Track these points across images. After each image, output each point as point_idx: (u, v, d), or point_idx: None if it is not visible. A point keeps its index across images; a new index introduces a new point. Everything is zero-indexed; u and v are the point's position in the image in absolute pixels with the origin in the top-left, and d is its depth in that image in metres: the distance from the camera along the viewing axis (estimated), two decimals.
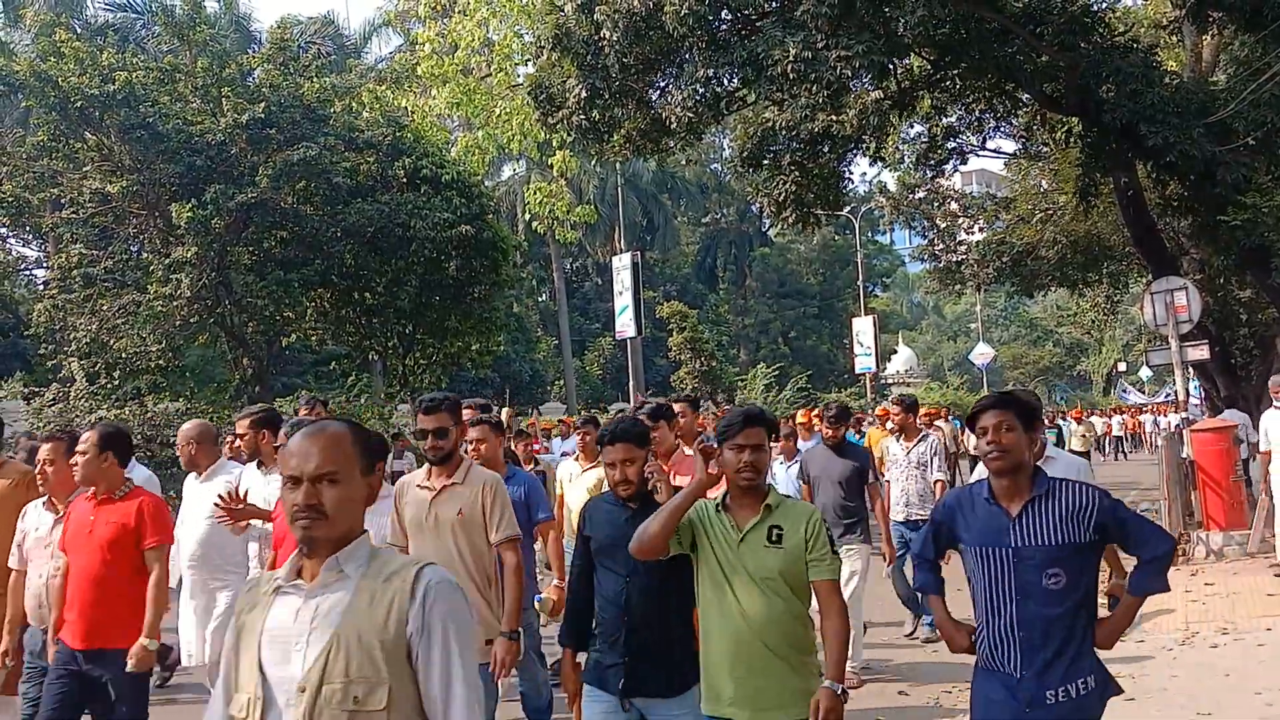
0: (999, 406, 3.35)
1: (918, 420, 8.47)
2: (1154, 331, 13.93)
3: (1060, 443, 23.61)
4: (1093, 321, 30.74)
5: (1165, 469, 11.24)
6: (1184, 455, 11.51)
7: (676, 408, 6.59)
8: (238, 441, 6.10)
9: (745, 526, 3.39)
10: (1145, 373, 47.08)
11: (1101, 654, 3.30)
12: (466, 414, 6.50)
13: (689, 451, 6.71)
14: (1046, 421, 26.21)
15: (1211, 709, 5.77)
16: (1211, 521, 10.54)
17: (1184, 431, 12.04)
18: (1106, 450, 33.99)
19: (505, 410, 10.53)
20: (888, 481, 8.31)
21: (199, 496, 5.62)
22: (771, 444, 3.78)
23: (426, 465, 4.56)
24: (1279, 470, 8.94)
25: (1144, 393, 47.06)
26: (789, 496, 3.55)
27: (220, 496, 5.06)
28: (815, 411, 10.11)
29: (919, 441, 8.11)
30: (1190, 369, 15.12)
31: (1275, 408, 9.03)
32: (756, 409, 3.58)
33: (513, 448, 8.70)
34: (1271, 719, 5.59)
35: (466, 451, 5.57)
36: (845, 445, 7.45)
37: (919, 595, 5.43)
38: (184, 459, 5.78)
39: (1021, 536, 3.25)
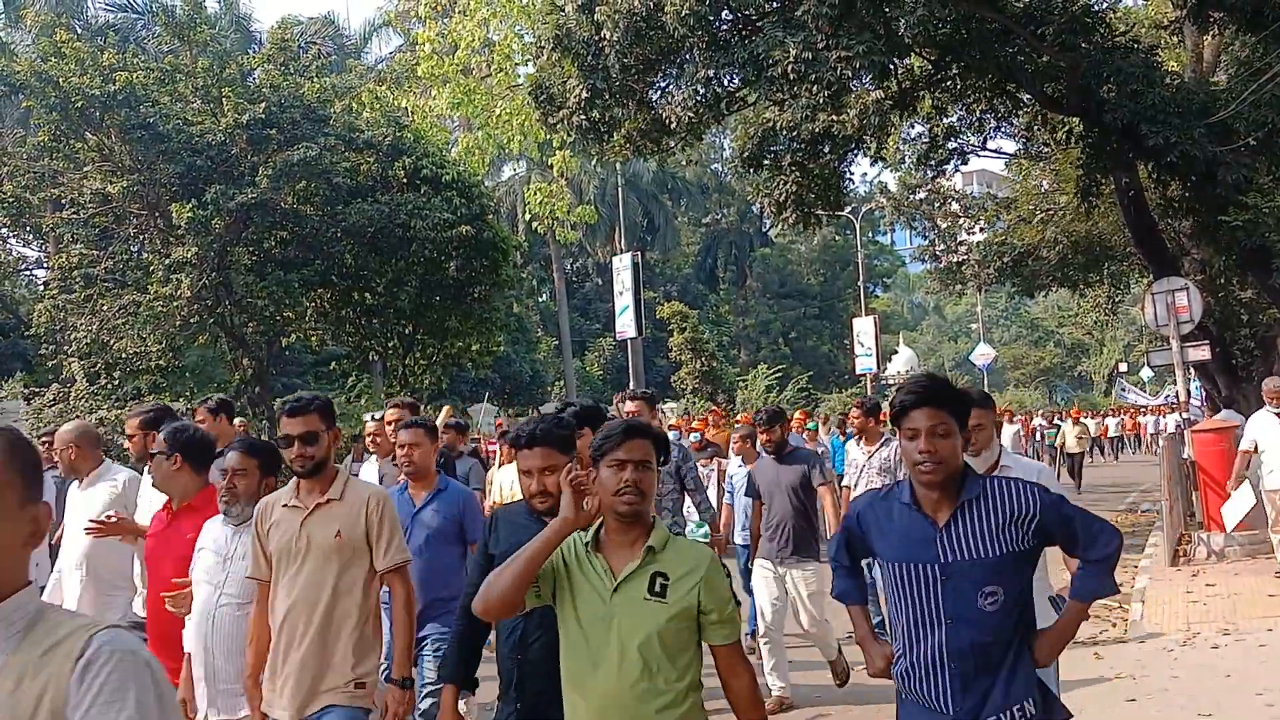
0: (931, 403, 2.77)
1: (880, 424, 7.83)
2: (1155, 332, 13.92)
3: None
4: (1094, 322, 30.80)
5: (1166, 469, 11.23)
6: (1185, 456, 11.50)
7: (629, 406, 6.06)
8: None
9: (621, 572, 2.67)
10: (1146, 373, 47.02)
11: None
12: (392, 414, 6.11)
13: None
14: (1046, 423, 26.12)
15: (1212, 710, 5.76)
16: (1212, 522, 10.53)
17: (1185, 432, 12.03)
18: (1105, 451, 33.73)
19: (444, 409, 10.20)
20: (846, 487, 8.12)
21: (82, 506, 5.04)
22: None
23: (294, 480, 3.82)
24: (1270, 471, 8.75)
25: (1146, 393, 47.03)
26: (680, 534, 2.88)
27: (91, 522, 4.60)
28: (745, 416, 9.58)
29: (881, 446, 7.52)
30: (1191, 369, 15.11)
31: (1269, 411, 8.84)
32: (640, 422, 2.90)
33: (465, 451, 8.48)
34: None
35: (396, 459, 5.10)
36: (789, 450, 6.81)
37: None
38: (63, 465, 5.26)
39: (951, 549, 2.74)
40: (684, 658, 2.65)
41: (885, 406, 6.18)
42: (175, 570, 4.06)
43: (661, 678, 2.61)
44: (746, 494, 7.04)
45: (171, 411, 5.63)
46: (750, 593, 7.52)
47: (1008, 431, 20.88)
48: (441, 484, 4.93)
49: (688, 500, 6.49)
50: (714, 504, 8.18)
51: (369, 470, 6.73)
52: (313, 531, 3.71)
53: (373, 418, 7.26)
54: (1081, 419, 23.65)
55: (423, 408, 21.32)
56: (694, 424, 16.62)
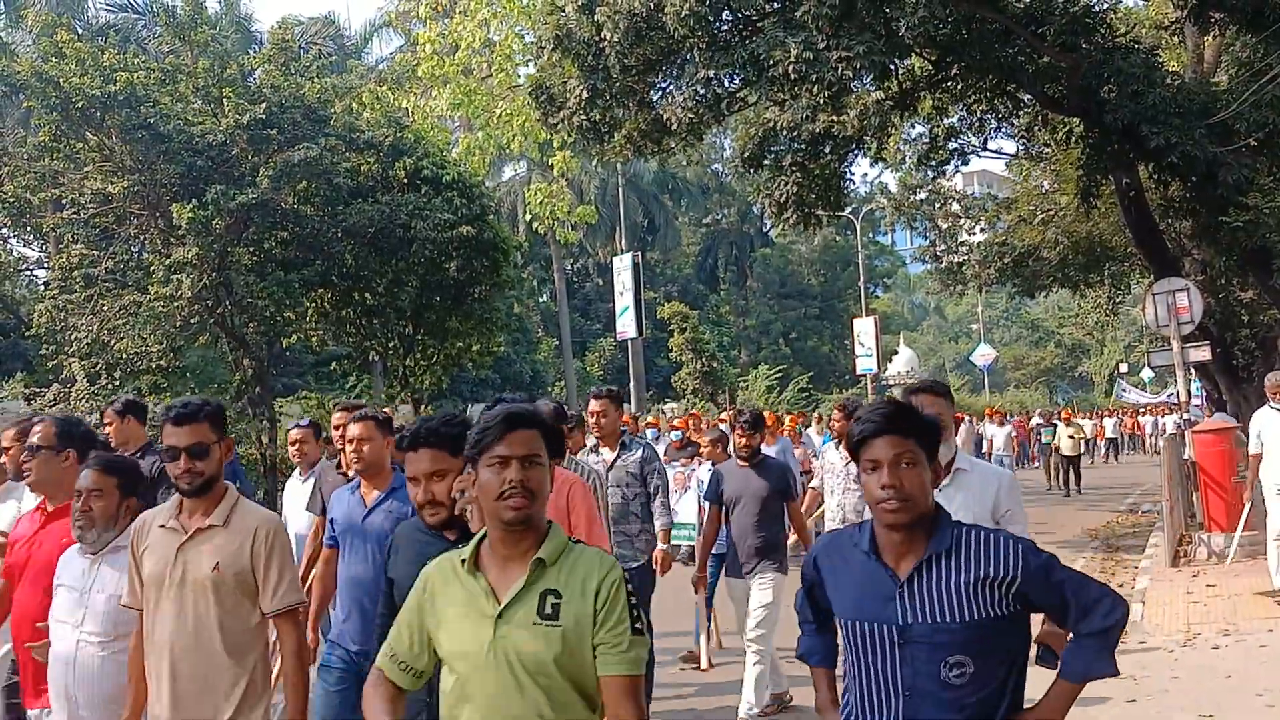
0: (896, 432, 2.37)
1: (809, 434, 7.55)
2: (1156, 333, 13.92)
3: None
4: (1094, 323, 30.75)
5: (1167, 470, 11.23)
6: (1185, 456, 11.49)
7: (594, 405, 5.66)
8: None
9: (507, 593, 2.26)
10: (1147, 374, 47.03)
11: None
12: (338, 418, 5.65)
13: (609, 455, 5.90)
14: (1043, 422, 25.98)
15: (1213, 710, 5.76)
16: (1213, 523, 10.52)
17: (1185, 432, 12.03)
18: (1103, 452, 33.40)
19: (398, 411, 9.76)
20: (814, 489, 7.73)
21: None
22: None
23: (176, 497, 3.30)
24: (1270, 474, 8.15)
25: (1147, 393, 47.04)
26: (579, 541, 2.40)
27: None
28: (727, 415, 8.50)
29: None
30: (1192, 370, 15.10)
31: (1271, 408, 8.22)
32: (523, 409, 2.42)
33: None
34: None
35: (343, 456, 4.72)
36: (764, 459, 6.35)
37: None
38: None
39: (913, 610, 2.32)
40: (582, 687, 2.26)
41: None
42: (48, 578, 3.61)
43: (567, 717, 2.23)
44: (706, 497, 6.48)
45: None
46: (709, 604, 7.35)
47: (999, 434, 20.71)
48: (396, 482, 4.23)
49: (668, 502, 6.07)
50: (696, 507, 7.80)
51: (293, 486, 6.25)
52: (189, 561, 3.18)
53: (297, 425, 6.49)
54: (1074, 420, 23.25)
55: (423, 408, 21.28)
56: (675, 422, 16.56)
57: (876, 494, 2.35)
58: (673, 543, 6.86)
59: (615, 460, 5.84)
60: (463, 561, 2.33)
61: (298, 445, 6.32)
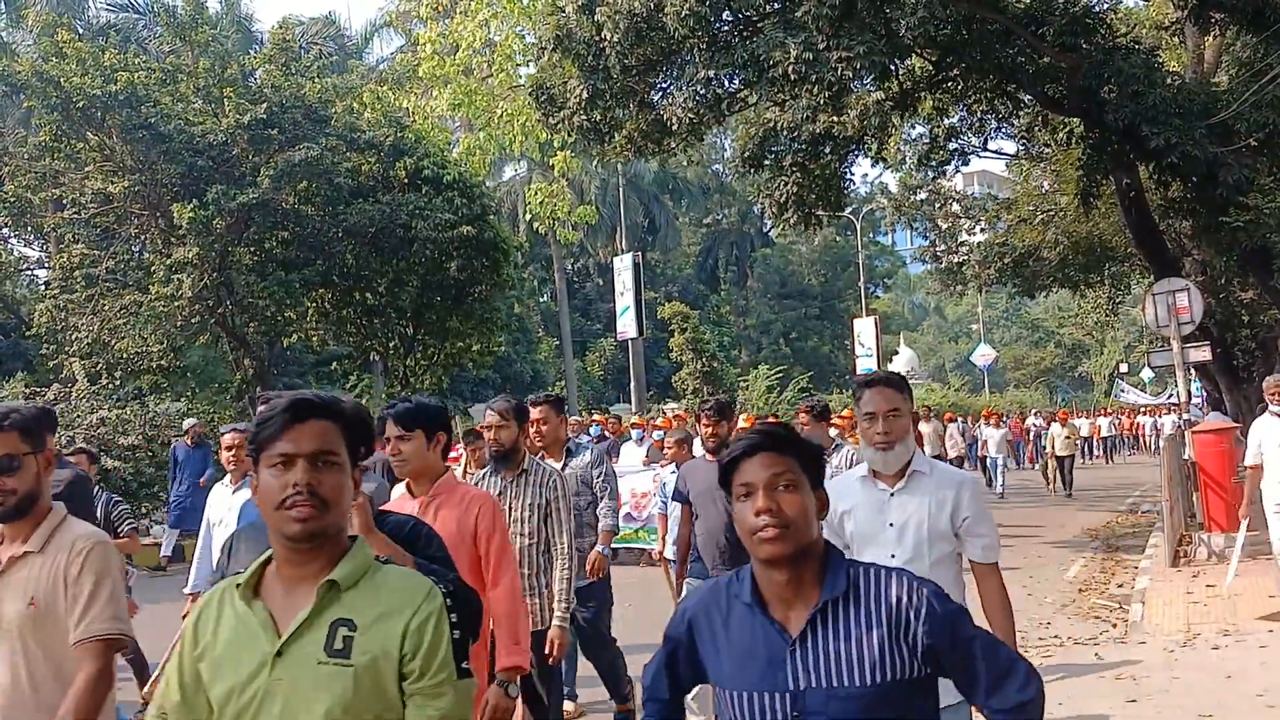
0: (773, 448, 1.98)
1: (829, 427, 6.77)
2: (1156, 333, 13.93)
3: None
4: (1094, 323, 30.76)
5: (1167, 470, 11.23)
6: (1185, 457, 11.50)
7: (534, 413, 5.28)
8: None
9: (290, 624, 1.86)
10: (1147, 374, 47.04)
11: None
12: (229, 439, 5.29)
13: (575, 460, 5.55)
14: (1042, 423, 25.70)
15: (1213, 711, 5.76)
16: (1213, 523, 10.53)
17: (1185, 432, 12.03)
18: (1099, 453, 32.91)
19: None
20: None
21: None
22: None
23: None
24: (1272, 490, 7.56)
25: (1147, 394, 47.07)
26: (389, 560, 2.01)
27: None
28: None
29: (830, 455, 6.33)
30: (1192, 370, 15.11)
31: (1272, 412, 7.63)
32: (309, 397, 1.97)
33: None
34: None
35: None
36: None
37: None
38: None
39: (806, 672, 1.91)
40: None
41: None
42: None
43: None
44: (674, 498, 5.96)
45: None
46: None
47: (994, 435, 20.72)
48: None
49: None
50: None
51: (219, 491, 5.61)
52: (4, 598, 2.65)
53: (233, 429, 5.76)
54: (1069, 420, 22.97)
55: None
56: (658, 422, 16.46)
57: (751, 522, 1.92)
58: (640, 546, 6.58)
59: (563, 469, 5.49)
60: (238, 586, 1.90)
61: (233, 451, 5.50)
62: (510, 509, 4.65)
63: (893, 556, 3.09)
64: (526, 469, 4.72)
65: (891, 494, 3.19)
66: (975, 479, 3.26)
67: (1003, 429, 21.52)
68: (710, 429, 5.66)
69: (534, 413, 5.31)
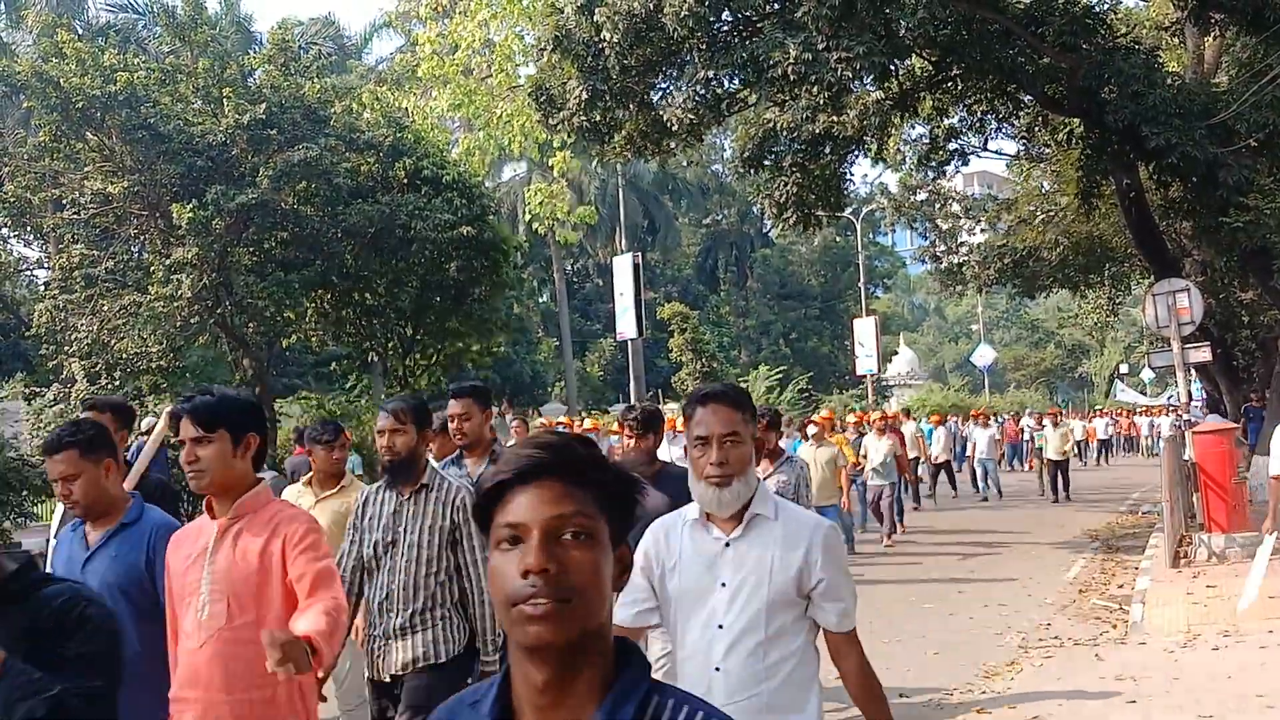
0: (555, 478, 1.27)
1: (780, 437, 6.22)
2: (1156, 333, 13.93)
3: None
4: (1094, 323, 30.77)
5: (1167, 471, 11.22)
6: (1185, 457, 11.49)
7: (454, 406, 4.43)
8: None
9: None
10: (1147, 375, 47.04)
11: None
12: (66, 460, 4.46)
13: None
14: (1035, 424, 25.20)
15: (1213, 712, 5.75)
16: (1213, 524, 10.52)
17: (1185, 433, 12.02)
18: (1095, 455, 32.01)
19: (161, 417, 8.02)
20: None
21: None
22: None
23: None
24: None
25: (1147, 395, 47.07)
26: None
27: None
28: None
29: (780, 467, 5.89)
30: (1192, 371, 15.11)
31: None
32: None
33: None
34: None
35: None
36: (664, 468, 4.58)
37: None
38: None
39: None
40: None
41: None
42: None
43: None
44: None
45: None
46: None
47: (982, 436, 19.28)
48: (130, 515, 3.22)
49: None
50: None
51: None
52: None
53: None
54: (1062, 420, 20.56)
55: None
56: (613, 426, 16.10)
57: (513, 587, 1.23)
58: None
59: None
60: None
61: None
62: (405, 532, 3.89)
63: (720, 628, 2.44)
64: (427, 484, 3.95)
65: (727, 543, 2.48)
66: (831, 526, 2.57)
67: (990, 429, 20.06)
68: (636, 441, 4.58)
69: (454, 406, 4.44)
